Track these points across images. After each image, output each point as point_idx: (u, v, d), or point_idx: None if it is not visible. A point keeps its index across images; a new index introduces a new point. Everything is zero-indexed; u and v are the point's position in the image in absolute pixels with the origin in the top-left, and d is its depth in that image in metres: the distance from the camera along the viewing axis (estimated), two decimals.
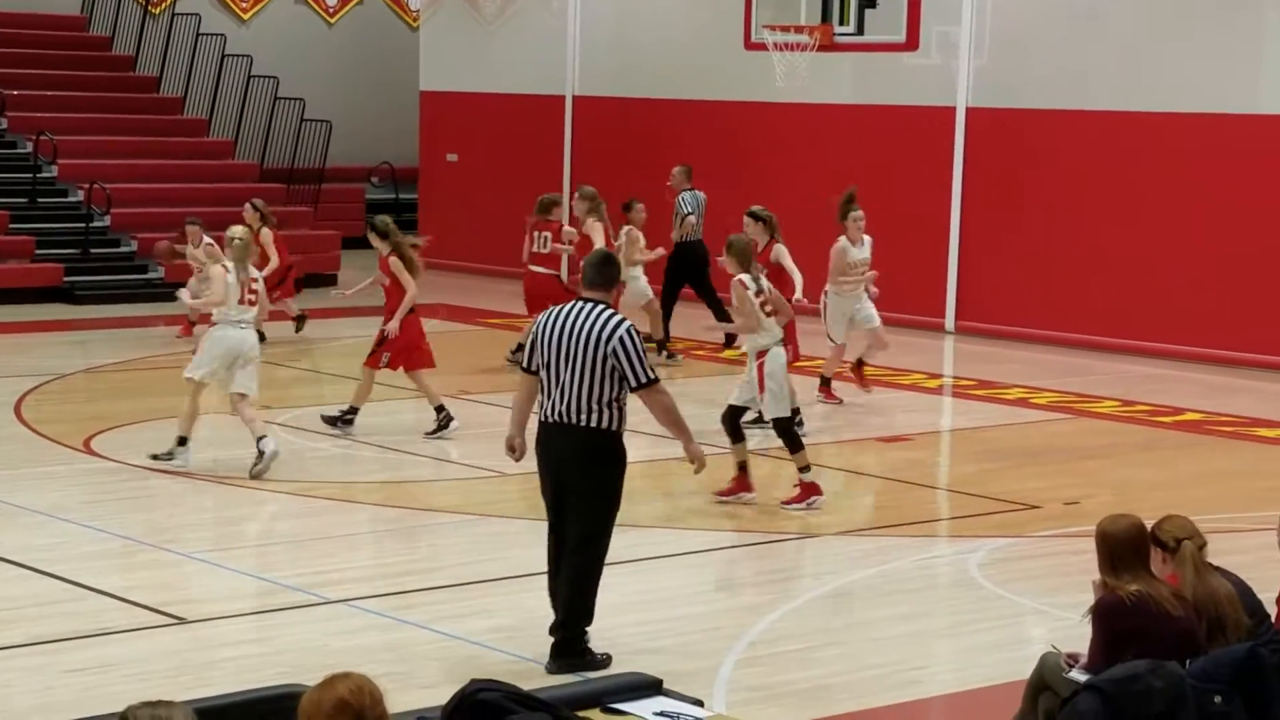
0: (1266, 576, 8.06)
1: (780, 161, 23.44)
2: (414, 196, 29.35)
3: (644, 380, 8.96)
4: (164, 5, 29.33)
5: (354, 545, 11.75)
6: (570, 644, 9.13)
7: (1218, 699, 6.76)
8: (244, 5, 30.69)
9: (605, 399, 8.92)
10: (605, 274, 9.22)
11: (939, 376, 19.03)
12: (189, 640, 9.53)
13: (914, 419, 15.94)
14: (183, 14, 28.98)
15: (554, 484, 9.12)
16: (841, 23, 22.09)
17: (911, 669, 9.36)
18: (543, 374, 9.02)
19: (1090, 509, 12.63)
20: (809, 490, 12.56)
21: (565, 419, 8.96)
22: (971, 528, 12.51)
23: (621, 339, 8.88)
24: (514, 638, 9.66)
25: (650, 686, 6.65)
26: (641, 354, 8.97)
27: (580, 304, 9.04)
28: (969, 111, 21.63)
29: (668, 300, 19.48)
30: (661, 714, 6.39)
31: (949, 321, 21.75)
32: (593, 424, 8.93)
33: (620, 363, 8.88)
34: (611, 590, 10.86)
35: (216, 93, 28.60)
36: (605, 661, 9.11)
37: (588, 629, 9.19)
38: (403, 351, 14.82)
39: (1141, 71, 20.31)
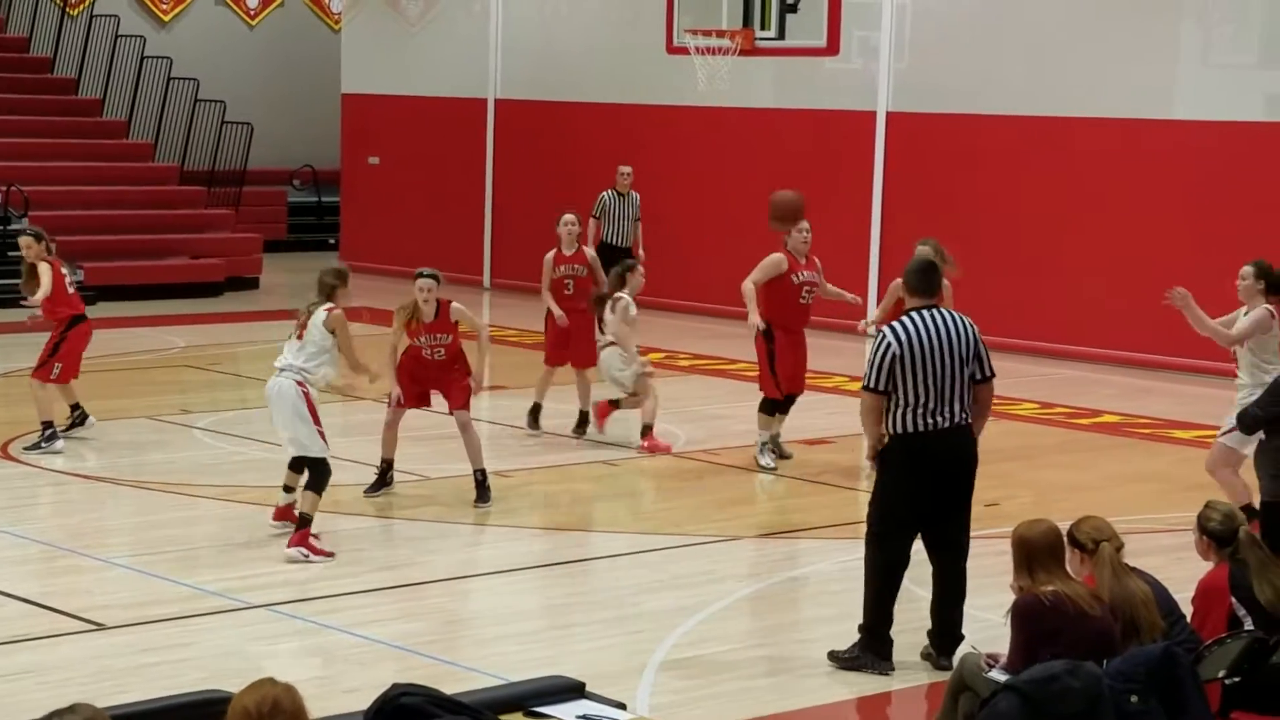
0: (1182, 577, 8.16)
1: (701, 165, 23.50)
2: (336, 199, 29.25)
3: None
4: (82, 6, 29.11)
5: (276, 550, 11.69)
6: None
7: (1134, 698, 6.83)
8: (164, 7, 30.50)
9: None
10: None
11: (860, 379, 19.11)
12: (108, 646, 9.46)
13: (836, 421, 16.00)
14: (101, 15, 28.77)
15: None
16: (763, 27, 22.16)
17: (833, 671, 9.40)
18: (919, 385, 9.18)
19: (1010, 510, 12.72)
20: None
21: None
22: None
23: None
24: (436, 641, 9.65)
25: (573, 690, 6.65)
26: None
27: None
28: (889, 116, 21.75)
29: None
30: (584, 717, 6.39)
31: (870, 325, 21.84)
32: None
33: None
34: (534, 593, 10.88)
35: (136, 95, 28.41)
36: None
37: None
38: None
39: (1059, 77, 20.49)
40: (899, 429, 9.21)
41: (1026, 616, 7.22)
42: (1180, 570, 8.36)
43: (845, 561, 11.68)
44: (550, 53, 25.39)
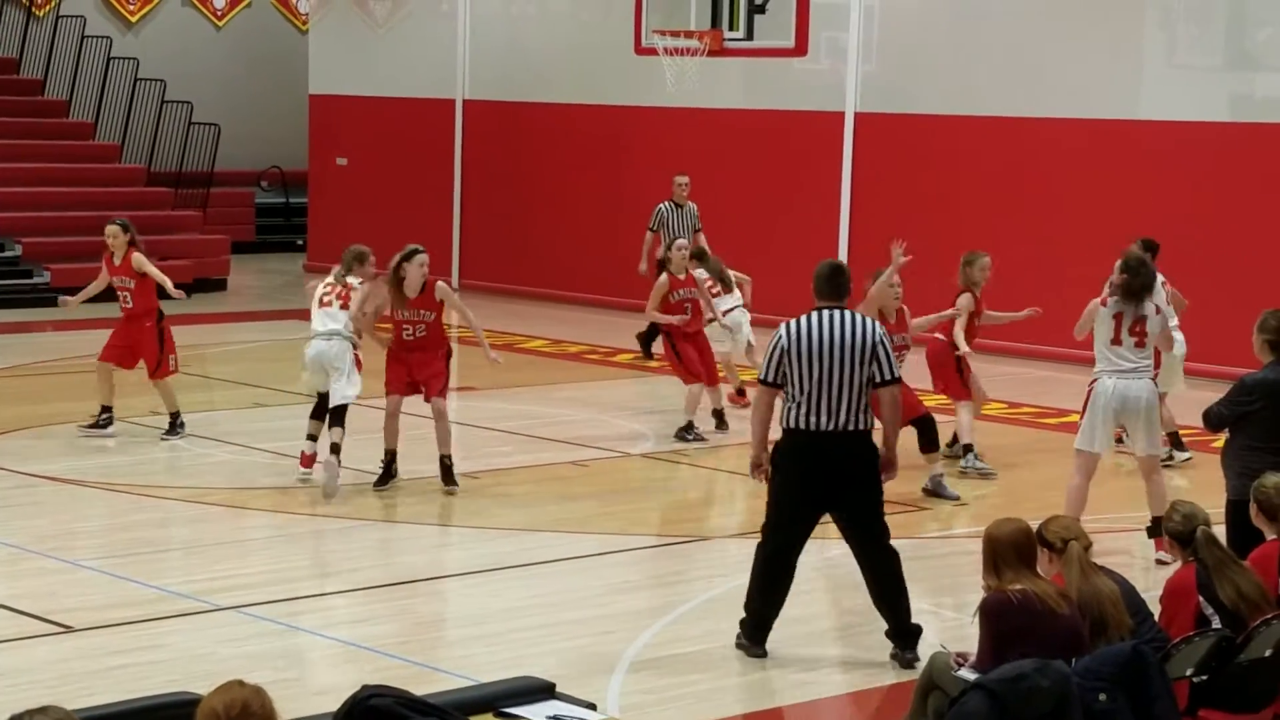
0: (1149, 576, 8.19)
1: (670, 166, 23.49)
2: (304, 200, 29.19)
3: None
4: (48, 8, 29.00)
5: (245, 551, 11.68)
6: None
7: (1103, 696, 6.85)
8: (131, 8, 30.40)
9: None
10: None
11: None
12: (76, 649, 9.43)
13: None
14: (67, 16, 28.67)
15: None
16: (731, 28, 22.19)
17: (804, 670, 9.42)
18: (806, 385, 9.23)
19: (978, 510, 12.78)
20: None
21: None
22: None
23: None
24: (406, 643, 9.65)
25: (543, 690, 6.66)
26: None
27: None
28: (857, 117, 21.79)
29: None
30: (554, 718, 6.40)
31: None
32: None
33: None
34: (504, 594, 10.88)
35: (103, 96, 28.32)
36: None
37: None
38: None
39: (1026, 77, 20.55)
40: (787, 424, 9.34)
41: (995, 615, 7.24)
42: (1149, 571, 8.40)
43: (812, 561, 11.71)
44: (518, 53, 25.38)
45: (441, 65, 26.20)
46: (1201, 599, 7.63)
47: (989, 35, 20.86)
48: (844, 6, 21.73)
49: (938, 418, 14.43)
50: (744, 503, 13.55)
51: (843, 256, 21.91)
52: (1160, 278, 12.51)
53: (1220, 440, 10.37)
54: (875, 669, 9.45)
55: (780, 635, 9.72)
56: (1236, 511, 9.23)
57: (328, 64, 27.92)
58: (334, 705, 5.96)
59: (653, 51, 22.29)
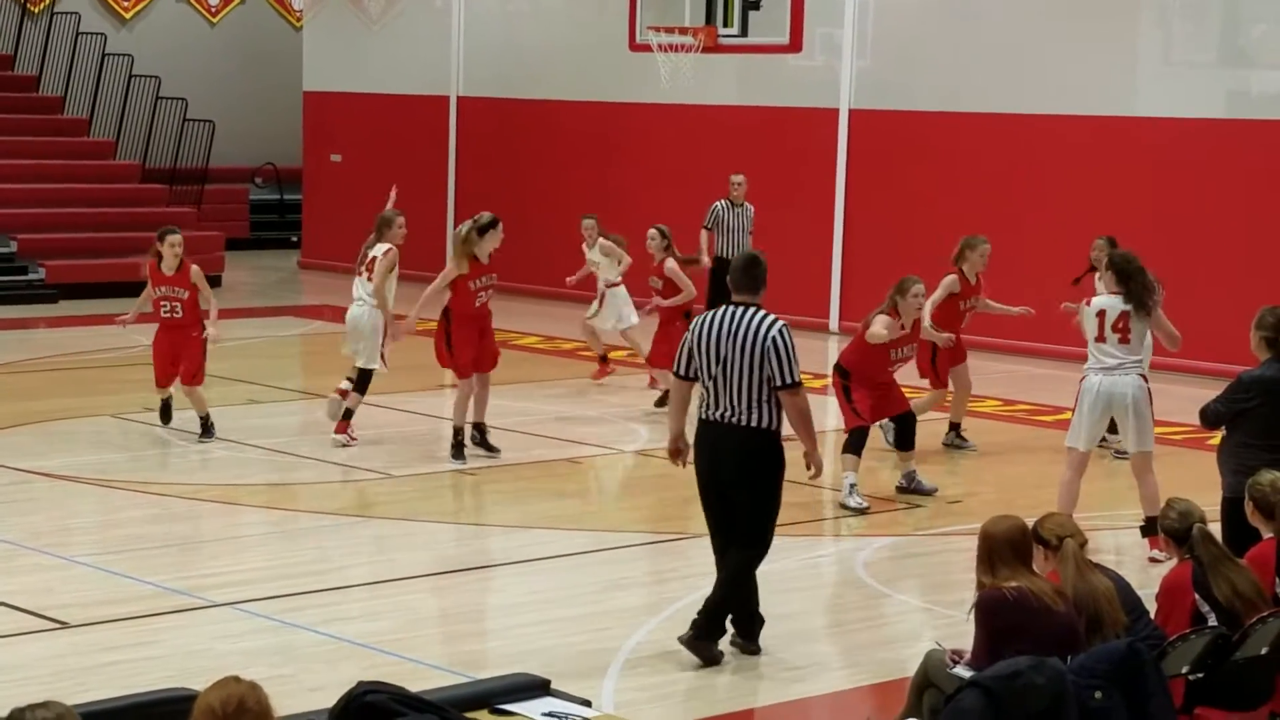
0: (1145, 574, 8.19)
1: (664, 163, 23.50)
2: (298, 197, 29.19)
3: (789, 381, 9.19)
4: (43, 4, 28.98)
5: (240, 548, 11.68)
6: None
7: (1098, 694, 6.85)
8: (126, 5, 30.38)
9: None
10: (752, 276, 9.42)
11: (823, 377, 19.14)
12: (71, 645, 9.43)
13: None
14: (62, 13, 28.65)
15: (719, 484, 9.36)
16: (725, 24, 22.19)
17: (797, 667, 9.42)
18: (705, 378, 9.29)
19: (973, 507, 12.78)
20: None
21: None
22: (856, 526, 12.61)
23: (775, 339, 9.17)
24: (401, 640, 9.64)
25: (538, 687, 6.66)
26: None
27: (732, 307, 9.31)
28: (852, 113, 21.79)
29: None
30: (550, 714, 6.40)
31: (833, 322, 21.91)
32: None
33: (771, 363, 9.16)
34: (500, 591, 10.88)
35: (97, 93, 28.30)
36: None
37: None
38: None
39: (1022, 74, 20.56)
40: (699, 415, 9.41)
41: (990, 612, 7.24)
42: (1144, 569, 8.40)
43: (807, 558, 11.72)
44: (512, 50, 25.37)
45: (436, 62, 26.19)
46: (1197, 596, 7.63)
47: (984, 31, 20.86)
48: (838, 2, 21.73)
49: (935, 415, 14.46)
50: None
51: (838, 253, 21.96)
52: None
53: (1216, 438, 10.37)
54: (869, 666, 9.45)
55: (773, 632, 9.73)
56: (1232, 509, 9.22)
57: (322, 61, 27.90)
58: (329, 702, 5.96)
59: (647, 48, 22.30)
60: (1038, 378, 19.06)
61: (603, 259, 17.25)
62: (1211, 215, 19.17)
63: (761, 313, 9.25)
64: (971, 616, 7.38)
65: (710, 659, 9.22)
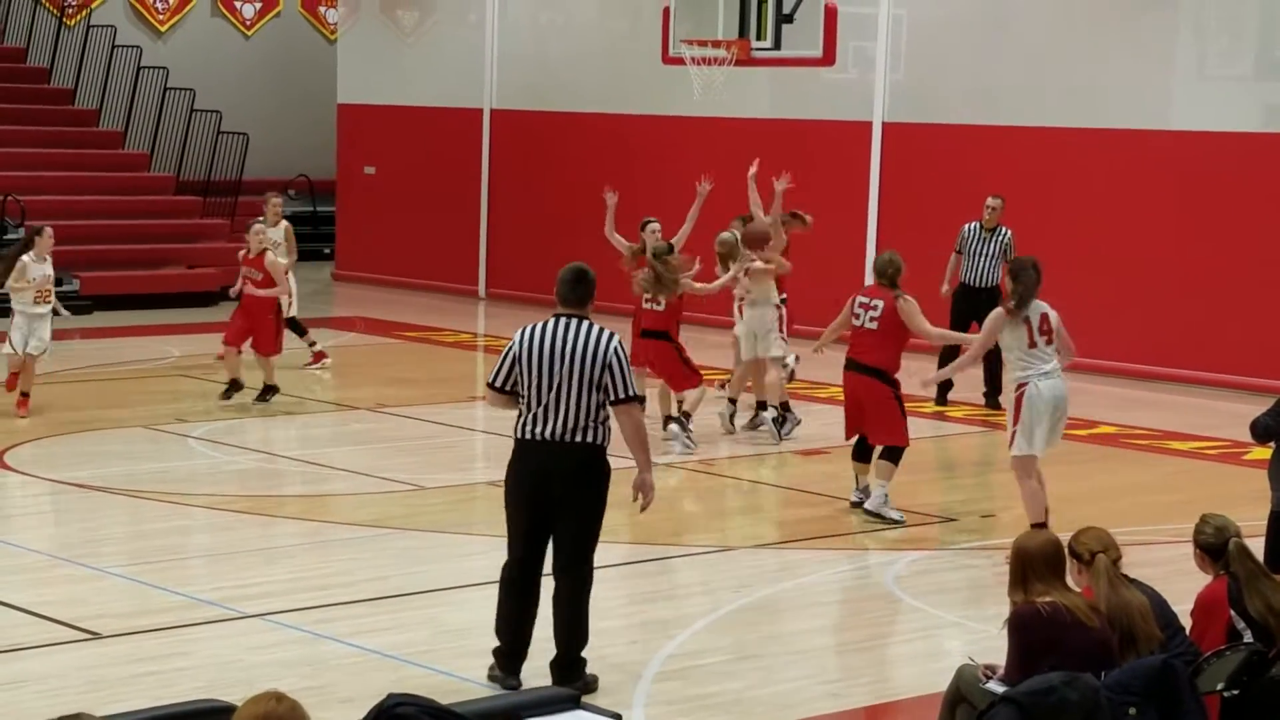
0: (1180, 589, 8.14)
1: (697, 176, 23.47)
2: (331, 209, 29.24)
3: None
4: (79, 17, 29.10)
5: (271, 559, 11.69)
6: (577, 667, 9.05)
7: (1132, 711, 6.81)
8: (161, 17, 30.49)
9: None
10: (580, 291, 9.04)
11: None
12: (104, 656, 9.44)
13: (831, 432, 15.95)
14: (98, 26, 28.76)
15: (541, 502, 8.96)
16: (759, 38, 22.11)
17: (829, 682, 9.39)
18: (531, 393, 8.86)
19: (1006, 522, 12.73)
20: None
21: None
22: (889, 541, 12.57)
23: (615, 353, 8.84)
24: (431, 652, 9.64)
25: (569, 700, 6.64)
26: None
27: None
28: (885, 127, 21.76)
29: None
30: None
31: None
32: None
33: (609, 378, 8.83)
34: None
35: (133, 105, 28.39)
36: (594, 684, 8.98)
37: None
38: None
39: (1056, 87, 20.50)
40: (517, 433, 8.98)
41: (1023, 627, 7.20)
42: (1179, 583, 8.35)
43: (840, 573, 11.68)
44: (546, 63, 25.40)
45: (469, 75, 26.22)
46: (1233, 613, 7.58)
47: (1018, 45, 20.81)
48: (872, 16, 21.70)
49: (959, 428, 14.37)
50: (770, 513, 13.54)
51: (869, 267, 21.88)
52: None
53: (1255, 453, 10.32)
54: (902, 681, 9.42)
55: (806, 646, 9.71)
56: (1278, 523, 9.18)
57: (356, 73, 27.96)
58: (360, 713, 5.95)
59: (680, 61, 22.23)
60: (1070, 392, 18.94)
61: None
62: (1248, 228, 19.07)
63: (595, 326, 8.88)
64: (1004, 631, 7.34)
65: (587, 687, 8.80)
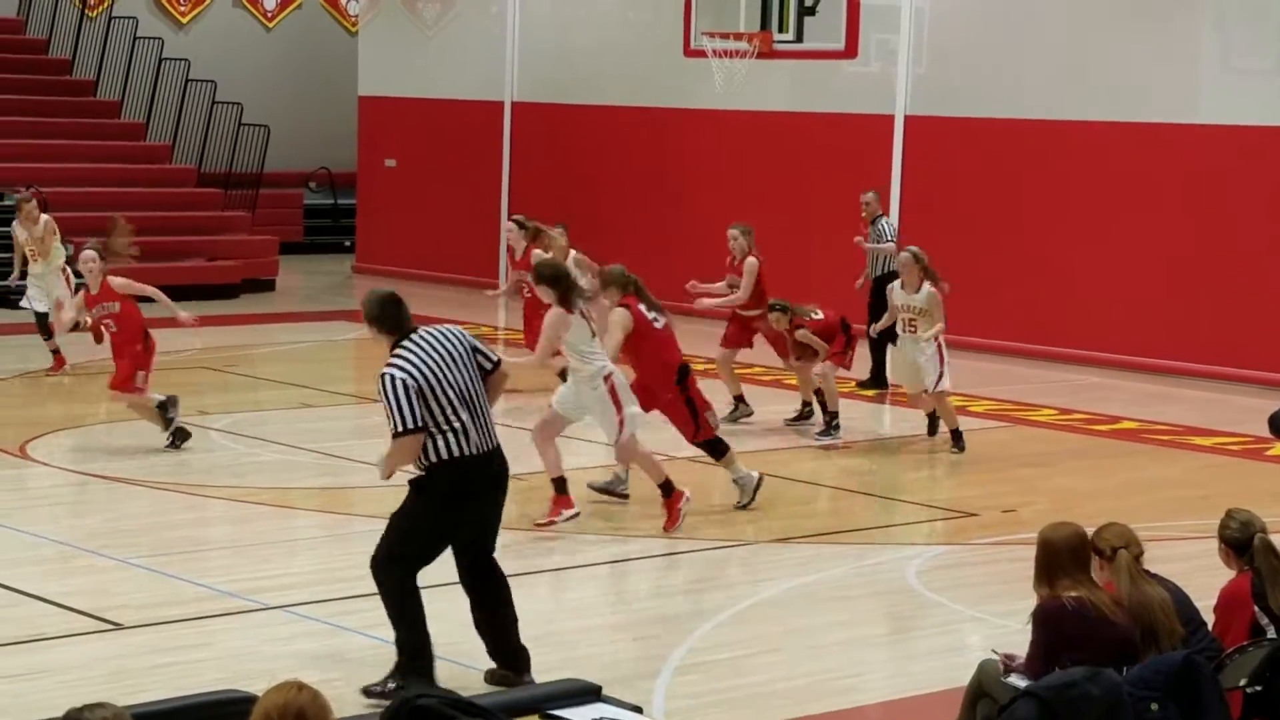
0: (1202, 584, 8.11)
1: (718, 169, 23.47)
2: (352, 202, 29.27)
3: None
4: (101, 8, 29.15)
5: (292, 551, 11.70)
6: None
7: (1154, 706, 6.79)
8: (182, 9, 30.55)
9: None
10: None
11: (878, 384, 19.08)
12: (125, 646, 9.46)
13: (853, 426, 15.96)
14: (120, 17, 28.81)
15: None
16: (781, 30, 22.12)
17: (849, 676, 9.38)
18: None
19: (1028, 517, 12.70)
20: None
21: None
22: (910, 535, 12.56)
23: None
24: (452, 644, 9.63)
25: (589, 693, 6.64)
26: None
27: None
28: (907, 119, 21.72)
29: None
30: None
31: None
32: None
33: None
34: (550, 597, 10.87)
35: (154, 96, 28.44)
36: None
37: None
38: None
39: (1080, 80, 20.44)
40: (442, 456, 8.64)
41: (1048, 622, 7.18)
42: (1201, 579, 8.32)
43: (860, 567, 11.67)
44: (567, 55, 25.39)
45: (490, 67, 26.22)
46: (1256, 608, 7.55)
47: (1041, 38, 20.76)
48: (894, 8, 21.67)
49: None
50: (789, 507, 13.51)
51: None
52: None
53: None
54: (922, 675, 9.40)
55: (827, 640, 9.69)
56: None
57: (377, 66, 27.98)
58: (381, 705, 5.94)
59: (702, 53, 22.25)
60: (1092, 387, 18.95)
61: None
62: (1274, 223, 19.00)
63: (437, 327, 8.78)
64: (1028, 625, 7.32)
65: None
